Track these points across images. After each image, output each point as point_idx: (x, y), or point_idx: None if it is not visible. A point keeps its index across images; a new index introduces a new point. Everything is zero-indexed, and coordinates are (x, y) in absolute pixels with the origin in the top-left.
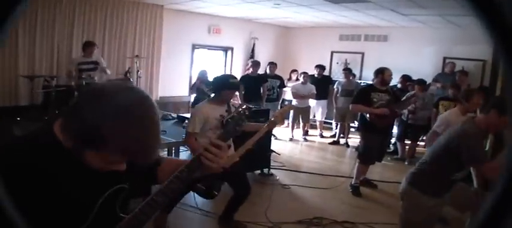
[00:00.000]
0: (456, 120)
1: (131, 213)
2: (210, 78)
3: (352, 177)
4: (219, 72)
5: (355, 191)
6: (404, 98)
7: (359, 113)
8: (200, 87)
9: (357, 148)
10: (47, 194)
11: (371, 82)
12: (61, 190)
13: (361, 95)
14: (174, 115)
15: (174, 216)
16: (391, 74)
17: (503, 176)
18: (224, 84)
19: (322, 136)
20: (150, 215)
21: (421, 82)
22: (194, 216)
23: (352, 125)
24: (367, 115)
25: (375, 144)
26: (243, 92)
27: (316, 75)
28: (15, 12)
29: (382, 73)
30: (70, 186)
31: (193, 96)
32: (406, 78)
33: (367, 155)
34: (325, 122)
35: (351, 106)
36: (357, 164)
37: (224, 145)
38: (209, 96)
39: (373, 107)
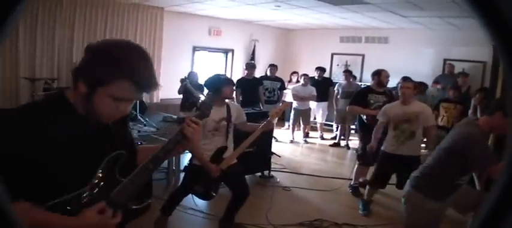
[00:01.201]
0: None
1: (128, 178)
2: (201, 81)
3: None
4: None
5: (355, 191)
6: None
7: (358, 115)
8: (188, 89)
9: (357, 150)
10: (55, 154)
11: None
12: (68, 151)
13: (358, 96)
14: (175, 117)
15: (174, 218)
16: (388, 76)
17: (503, 176)
18: (220, 81)
19: (322, 138)
20: (144, 180)
21: (420, 84)
22: (195, 218)
23: (352, 127)
24: (365, 116)
25: (373, 145)
26: (240, 98)
27: (316, 77)
28: (15, 12)
29: (378, 75)
30: (77, 148)
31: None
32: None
33: (366, 156)
34: (325, 124)
35: (347, 107)
36: (356, 166)
37: (200, 122)
38: (198, 98)
39: (370, 109)
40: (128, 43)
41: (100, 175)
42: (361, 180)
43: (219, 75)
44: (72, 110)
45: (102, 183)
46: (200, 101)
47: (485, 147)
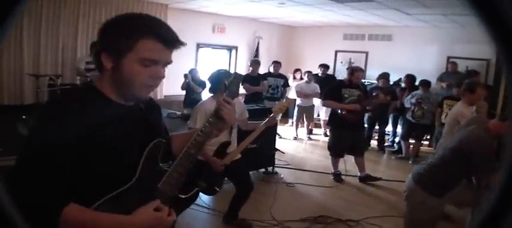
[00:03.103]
0: (466, 112)
1: (172, 166)
2: (202, 77)
3: (356, 175)
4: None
5: (336, 177)
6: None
7: (331, 109)
8: (190, 85)
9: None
10: (98, 147)
11: (375, 81)
12: (110, 142)
13: (332, 91)
14: (179, 113)
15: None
16: (360, 77)
17: (503, 176)
18: (221, 74)
19: (326, 135)
20: (186, 167)
21: (426, 82)
22: (199, 214)
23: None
24: (338, 110)
25: (344, 138)
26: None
27: (320, 74)
28: (15, 12)
29: (351, 74)
30: (117, 139)
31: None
32: (410, 78)
33: (335, 148)
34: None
35: (322, 102)
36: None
37: (233, 102)
38: (199, 94)
39: (345, 103)
40: (140, 12)
41: (143, 166)
42: (363, 175)
43: (225, 71)
44: (105, 98)
45: (146, 174)
46: (228, 81)
47: (491, 154)
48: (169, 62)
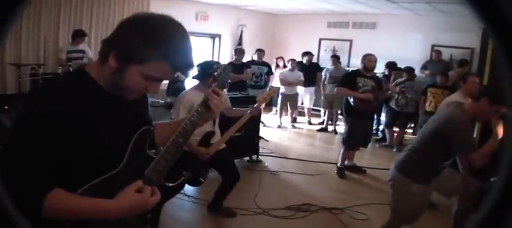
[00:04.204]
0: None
1: (159, 154)
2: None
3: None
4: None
5: (340, 172)
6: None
7: (345, 98)
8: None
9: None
10: (86, 133)
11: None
12: (98, 128)
13: (347, 79)
14: (162, 102)
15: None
16: (372, 60)
17: (503, 176)
18: (210, 65)
19: (310, 123)
20: (174, 155)
21: (410, 69)
22: (184, 203)
23: (340, 112)
24: (351, 99)
25: (359, 128)
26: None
27: (304, 62)
28: (16, 12)
29: (363, 58)
30: (106, 125)
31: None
32: (390, 65)
33: (351, 139)
34: (313, 109)
35: (336, 89)
36: (342, 149)
37: (221, 93)
38: (182, 82)
39: (358, 92)
40: (169, 19)
41: (131, 152)
42: (347, 163)
43: (213, 62)
44: (96, 85)
45: (134, 160)
46: (218, 71)
47: (469, 132)
48: (171, 78)
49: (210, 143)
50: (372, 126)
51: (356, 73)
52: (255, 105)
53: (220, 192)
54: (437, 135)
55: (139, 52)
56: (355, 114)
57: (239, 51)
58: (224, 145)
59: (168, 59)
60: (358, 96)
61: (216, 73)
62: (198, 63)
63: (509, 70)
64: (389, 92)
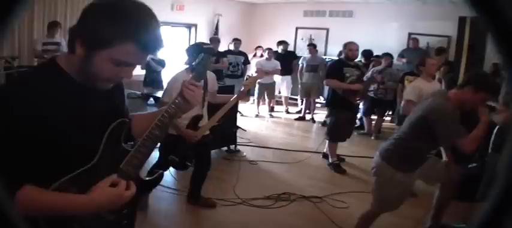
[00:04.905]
0: (427, 87)
1: (135, 147)
2: (161, 56)
3: (319, 152)
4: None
5: (337, 168)
6: (368, 73)
7: (329, 89)
8: (150, 64)
9: (323, 123)
10: (57, 126)
11: (336, 57)
12: (70, 121)
13: (334, 70)
14: (139, 93)
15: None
16: (354, 49)
17: (503, 176)
18: (198, 48)
19: (288, 112)
20: (150, 148)
21: (388, 55)
22: (163, 194)
23: (317, 100)
24: (341, 91)
25: (347, 120)
26: None
27: (279, 51)
28: (16, 12)
29: (345, 47)
30: (79, 118)
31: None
32: (366, 54)
33: (340, 132)
34: (290, 98)
35: (325, 81)
36: (327, 143)
37: (199, 85)
38: (158, 73)
39: (346, 83)
40: (135, 2)
41: (105, 145)
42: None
43: (200, 43)
44: (68, 77)
45: (108, 154)
46: (195, 63)
47: (455, 121)
48: (143, 63)
49: (198, 126)
50: (356, 117)
51: (341, 63)
52: (241, 90)
53: (196, 181)
54: (422, 125)
55: (104, 35)
56: (344, 106)
57: (214, 40)
58: (208, 131)
59: (134, 39)
60: (350, 88)
61: (193, 63)
62: (186, 48)
63: (509, 70)
64: (377, 80)
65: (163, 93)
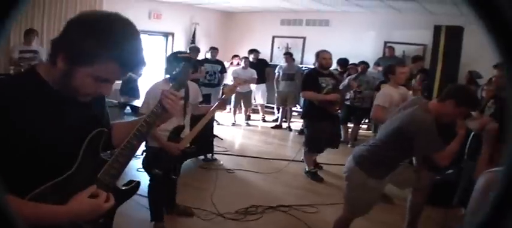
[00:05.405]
0: (395, 94)
1: (113, 156)
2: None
3: (296, 161)
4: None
5: (314, 176)
6: (345, 81)
7: (305, 100)
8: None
9: (300, 131)
10: (35, 136)
11: (312, 66)
12: (48, 131)
13: (309, 81)
14: (115, 102)
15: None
16: (327, 57)
17: (503, 176)
18: (176, 59)
19: (264, 120)
20: (128, 157)
21: (364, 63)
22: (139, 203)
23: (294, 109)
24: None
25: (326, 131)
26: None
27: (251, 60)
28: (16, 12)
29: (318, 56)
30: (57, 128)
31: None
32: (342, 62)
33: (317, 143)
34: (266, 107)
35: (301, 93)
36: (303, 152)
37: (179, 94)
38: (135, 81)
39: (322, 93)
40: (117, 18)
41: (84, 155)
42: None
43: (177, 52)
44: (47, 87)
45: (87, 163)
46: (176, 71)
47: (434, 133)
48: (123, 78)
49: (180, 137)
50: (339, 125)
51: (316, 73)
52: (220, 99)
53: (169, 192)
54: (400, 134)
55: (88, 53)
56: (321, 117)
57: (194, 50)
58: (189, 143)
59: (117, 59)
60: (327, 99)
61: (173, 72)
62: (167, 57)
63: (508, 70)
64: (353, 88)
65: (142, 104)
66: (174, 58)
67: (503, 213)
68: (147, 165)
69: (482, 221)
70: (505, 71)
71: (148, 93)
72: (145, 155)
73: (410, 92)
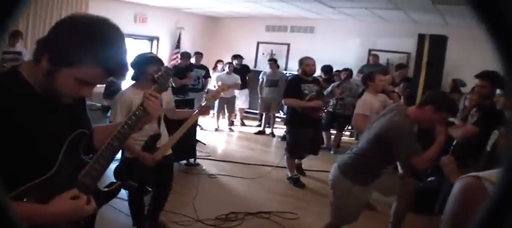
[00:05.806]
0: (375, 101)
1: (93, 158)
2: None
3: (279, 167)
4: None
5: (296, 183)
6: (329, 88)
7: (288, 107)
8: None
9: (283, 137)
10: (14, 136)
11: (296, 73)
12: (28, 132)
13: (291, 88)
14: (99, 105)
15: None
16: (311, 64)
17: (503, 176)
18: (143, 60)
19: (243, 124)
20: (109, 159)
21: (348, 70)
22: (121, 207)
23: (277, 115)
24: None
25: (308, 137)
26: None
27: (235, 65)
28: (16, 12)
29: (301, 63)
30: (37, 129)
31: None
32: (326, 69)
33: (298, 149)
34: (250, 112)
35: (283, 100)
36: (285, 158)
37: (160, 97)
38: (119, 84)
39: (305, 100)
40: (106, 23)
41: (64, 157)
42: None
43: (145, 53)
44: (28, 87)
45: (68, 164)
46: (159, 73)
47: (412, 138)
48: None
49: (155, 147)
50: (321, 132)
51: (299, 80)
52: (203, 104)
53: (156, 203)
54: (380, 140)
55: (72, 55)
56: (303, 124)
57: (186, 55)
58: (170, 151)
59: (100, 63)
60: (309, 106)
61: (156, 76)
62: (130, 63)
63: (509, 74)
64: (336, 95)
65: (110, 113)
66: (141, 61)
67: (502, 214)
68: (119, 176)
69: (482, 221)
70: (506, 73)
71: (114, 103)
72: (118, 165)
73: (391, 101)
